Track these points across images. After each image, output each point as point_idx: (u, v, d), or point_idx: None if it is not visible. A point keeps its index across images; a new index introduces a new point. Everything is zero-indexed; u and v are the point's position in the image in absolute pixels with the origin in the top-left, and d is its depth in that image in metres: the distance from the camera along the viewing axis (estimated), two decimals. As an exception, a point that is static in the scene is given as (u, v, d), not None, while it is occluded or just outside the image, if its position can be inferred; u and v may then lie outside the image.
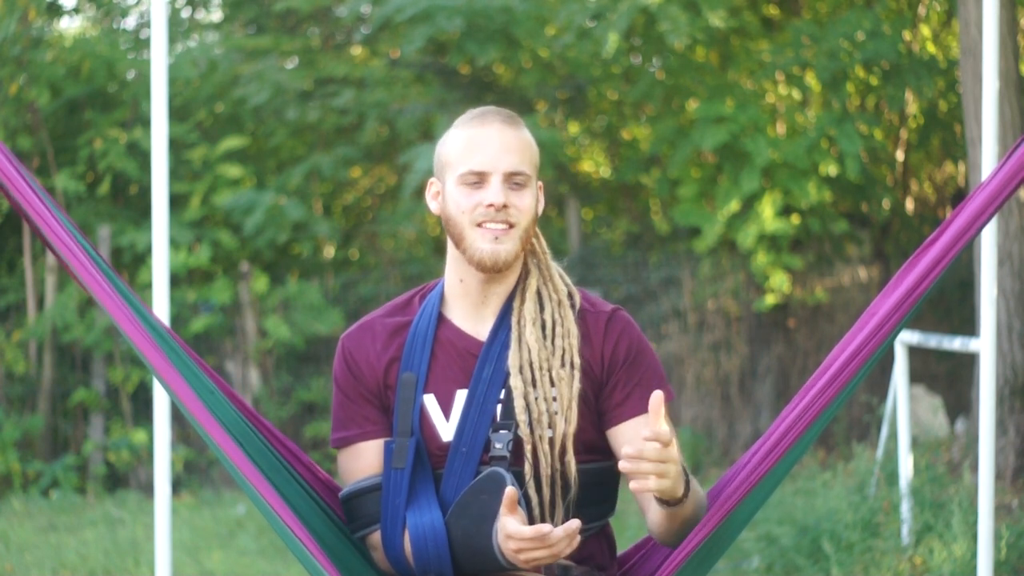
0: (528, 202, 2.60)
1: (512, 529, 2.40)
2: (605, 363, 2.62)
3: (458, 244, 2.61)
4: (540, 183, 2.67)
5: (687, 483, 2.42)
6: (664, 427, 2.30)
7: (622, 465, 2.31)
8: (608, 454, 2.64)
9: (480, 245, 2.57)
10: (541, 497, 2.56)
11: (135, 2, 10.67)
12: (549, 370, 2.59)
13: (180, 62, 9.95)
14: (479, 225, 2.57)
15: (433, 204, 2.67)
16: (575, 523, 2.39)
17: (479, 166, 2.58)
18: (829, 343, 9.53)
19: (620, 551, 2.79)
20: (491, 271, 2.60)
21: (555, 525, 2.53)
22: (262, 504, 2.50)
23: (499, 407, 2.58)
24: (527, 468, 2.55)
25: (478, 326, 2.65)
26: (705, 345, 9.69)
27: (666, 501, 2.41)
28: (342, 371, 2.67)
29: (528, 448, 2.55)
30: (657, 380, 2.63)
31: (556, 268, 2.70)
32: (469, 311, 2.65)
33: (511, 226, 2.58)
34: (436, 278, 2.75)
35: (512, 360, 2.58)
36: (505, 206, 2.57)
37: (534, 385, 2.58)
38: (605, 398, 2.62)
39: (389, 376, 2.64)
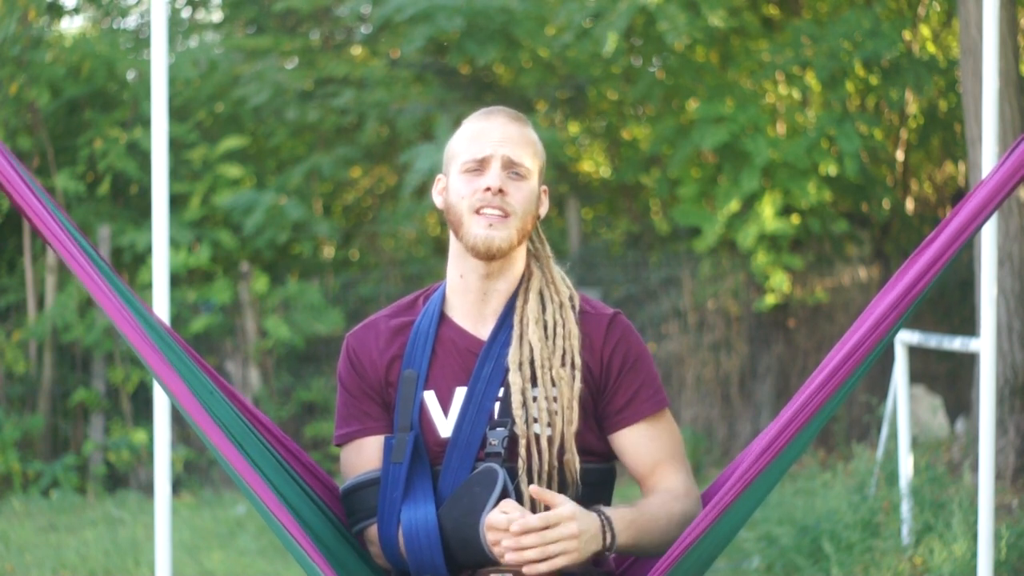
0: (526, 195, 2.64)
1: (493, 520, 2.46)
2: (604, 366, 2.65)
3: (456, 232, 2.66)
4: (545, 188, 2.73)
5: (608, 537, 2.50)
6: (555, 510, 2.46)
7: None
8: (604, 456, 2.68)
9: (475, 230, 2.62)
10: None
11: (135, 2, 10.67)
12: (550, 369, 2.62)
13: (180, 62, 9.95)
14: (477, 212, 2.62)
15: (438, 199, 2.73)
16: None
17: (480, 153, 2.64)
18: (829, 343, 9.52)
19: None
20: (485, 258, 2.63)
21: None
22: (259, 505, 2.51)
23: (497, 405, 2.62)
24: (520, 464, 2.58)
25: (479, 325, 2.68)
26: (705, 345, 9.68)
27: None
28: (346, 369, 2.71)
29: (523, 444, 2.58)
30: (655, 385, 2.67)
31: (558, 271, 2.74)
32: (470, 310, 2.68)
33: (507, 215, 2.62)
34: (436, 277, 2.78)
35: (512, 356, 2.62)
36: (502, 191, 2.61)
37: (535, 383, 2.62)
38: (606, 403, 2.65)
39: (391, 373, 2.67)
